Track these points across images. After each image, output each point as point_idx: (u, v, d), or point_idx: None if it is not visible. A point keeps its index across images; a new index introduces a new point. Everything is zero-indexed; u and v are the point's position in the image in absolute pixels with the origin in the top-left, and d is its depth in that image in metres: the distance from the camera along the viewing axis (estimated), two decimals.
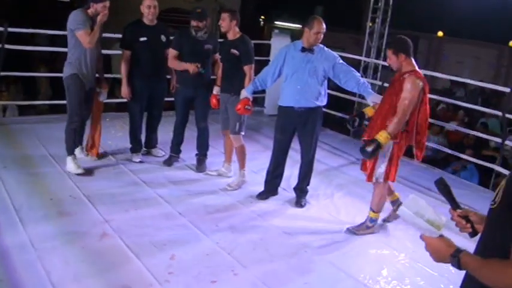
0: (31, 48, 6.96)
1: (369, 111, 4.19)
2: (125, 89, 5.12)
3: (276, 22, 20.44)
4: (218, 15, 5.16)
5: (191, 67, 4.91)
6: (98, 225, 3.83)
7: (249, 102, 4.54)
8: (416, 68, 3.94)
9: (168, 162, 5.33)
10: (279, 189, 4.87)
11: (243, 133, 4.87)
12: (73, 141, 4.82)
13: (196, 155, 5.33)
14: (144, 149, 5.52)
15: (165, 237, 3.75)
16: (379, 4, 8.78)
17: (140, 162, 5.27)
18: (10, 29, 6.24)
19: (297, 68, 4.37)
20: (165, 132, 5.66)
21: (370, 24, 9.05)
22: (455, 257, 1.64)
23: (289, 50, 4.47)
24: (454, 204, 1.92)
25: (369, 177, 4.10)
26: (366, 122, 4.24)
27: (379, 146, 3.83)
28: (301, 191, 4.71)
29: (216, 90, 5.02)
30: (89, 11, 4.67)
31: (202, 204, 4.45)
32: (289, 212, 4.57)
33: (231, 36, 4.77)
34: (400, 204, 4.21)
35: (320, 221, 4.42)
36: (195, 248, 3.66)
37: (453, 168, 7.16)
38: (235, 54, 4.71)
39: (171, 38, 5.20)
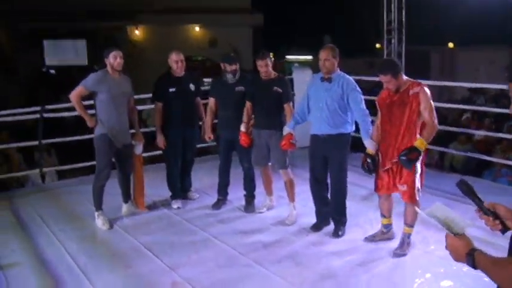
0: (68, 115, 7.20)
1: (370, 151, 4.26)
2: (159, 138, 5.31)
3: (286, 56, 20.84)
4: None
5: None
6: (166, 275, 3.89)
7: (293, 137, 4.67)
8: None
9: (217, 206, 5.41)
10: None
11: (290, 166, 5.00)
12: (100, 198, 4.95)
13: (245, 195, 5.41)
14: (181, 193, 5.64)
15: (233, 278, 3.80)
16: (393, 25, 8.95)
17: (178, 208, 5.38)
18: (46, 115, 6.56)
19: (317, 97, 4.51)
20: (208, 177, 5.73)
21: (378, 45, 9.20)
22: (471, 256, 1.64)
23: (313, 81, 4.65)
24: (479, 203, 1.90)
25: (412, 197, 4.09)
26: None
27: (419, 154, 3.92)
28: (337, 220, 4.68)
29: (243, 127, 5.08)
30: (107, 67, 4.86)
31: (259, 241, 4.50)
32: (347, 239, 4.57)
33: (269, 76, 4.92)
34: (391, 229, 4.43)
35: (370, 245, 4.42)
36: (265, 286, 3.70)
37: (494, 175, 7.11)
38: (278, 92, 4.88)
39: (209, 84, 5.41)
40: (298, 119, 4.71)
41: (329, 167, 4.63)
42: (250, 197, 5.38)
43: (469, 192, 1.90)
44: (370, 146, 4.25)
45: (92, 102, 5.01)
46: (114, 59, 4.83)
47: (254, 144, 5.10)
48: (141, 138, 5.27)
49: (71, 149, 8.95)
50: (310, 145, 4.70)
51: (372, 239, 4.49)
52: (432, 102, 4.01)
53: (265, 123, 4.99)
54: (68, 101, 5.05)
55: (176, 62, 5.27)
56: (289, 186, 5.04)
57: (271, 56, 4.97)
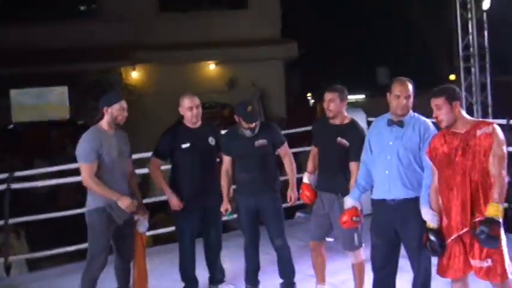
0: (43, 184, 7.29)
1: (431, 225, 4.14)
2: (172, 198, 5.29)
3: None
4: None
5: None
6: None
7: (358, 212, 4.57)
8: None
9: None
10: None
11: (363, 245, 4.90)
12: None
13: (281, 284, 5.33)
14: (210, 286, 5.59)
15: None
16: (471, 50, 8.97)
17: None
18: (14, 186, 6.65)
19: (383, 148, 4.41)
20: (231, 261, 5.71)
21: (453, 77, 9.27)
22: None
23: (375, 125, 4.59)
24: None
25: (503, 275, 3.90)
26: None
27: (499, 225, 3.79)
28: None
29: (307, 178, 5.13)
30: (103, 122, 4.86)
31: None
32: None
33: (337, 120, 4.95)
34: None
35: None
36: None
37: None
38: (344, 144, 4.85)
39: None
40: (364, 185, 4.61)
41: (406, 246, 4.48)
42: (288, 284, 5.30)
43: None
44: (429, 217, 4.13)
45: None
46: (121, 110, 4.87)
47: (314, 209, 5.12)
48: (146, 211, 5.22)
49: (45, 231, 8.97)
50: (375, 215, 4.57)
51: None
52: (505, 150, 3.92)
53: (326, 184, 4.98)
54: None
55: (190, 108, 5.29)
56: (358, 272, 4.94)
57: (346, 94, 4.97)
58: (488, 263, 3.91)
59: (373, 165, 4.52)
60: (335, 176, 4.90)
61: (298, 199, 5.40)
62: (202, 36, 15.65)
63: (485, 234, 3.76)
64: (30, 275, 7.05)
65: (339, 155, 4.87)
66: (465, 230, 3.93)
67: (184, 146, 5.28)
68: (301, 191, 5.18)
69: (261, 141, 5.18)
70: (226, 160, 5.37)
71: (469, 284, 4.15)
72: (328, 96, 4.90)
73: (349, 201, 4.60)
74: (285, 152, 5.34)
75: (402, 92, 4.33)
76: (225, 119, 16.44)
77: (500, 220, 3.80)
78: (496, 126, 3.95)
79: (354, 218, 4.55)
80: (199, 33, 15.66)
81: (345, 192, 4.72)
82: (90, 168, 4.75)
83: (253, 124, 5.12)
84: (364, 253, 4.91)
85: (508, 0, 10.64)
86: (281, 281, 5.32)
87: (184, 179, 5.32)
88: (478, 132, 3.92)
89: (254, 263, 5.38)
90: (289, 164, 5.33)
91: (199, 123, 5.38)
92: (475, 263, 3.95)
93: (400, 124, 4.36)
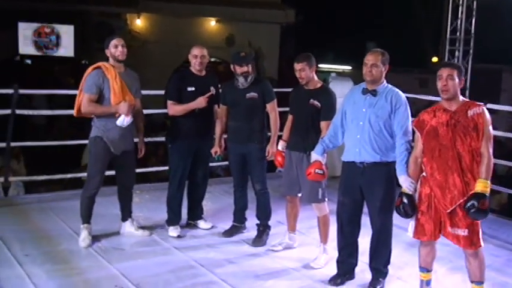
0: (47, 113, 7.34)
1: (406, 190, 4.25)
2: (199, 99, 5.39)
3: (319, 65, 21.03)
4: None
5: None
6: None
7: (321, 166, 4.70)
8: None
9: (229, 233, 5.59)
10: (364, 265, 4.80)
11: (326, 199, 5.04)
12: (88, 210, 5.21)
13: (257, 225, 5.57)
14: (188, 221, 5.83)
15: None
16: (458, 34, 9.01)
17: (178, 237, 5.50)
18: (21, 91, 6.72)
19: (357, 114, 4.48)
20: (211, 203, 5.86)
21: (435, 59, 9.33)
22: None
23: (352, 94, 4.64)
24: None
25: (476, 244, 4.04)
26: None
27: (487, 199, 3.89)
28: (376, 271, 4.65)
29: (281, 145, 5.28)
30: (110, 62, 5.13)
31: None
32: None
33: (311, 86, 5.07)
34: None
35: None
36: None
37: None
38: (316, 106, 4.98)
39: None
40: (327, 143, 4.73)
41: (369, 205, 4.59)
42: (262, 226, 5.53)
43: None
44: (407, 184, 4.24)
45: None
46: (115, 47, 5.08)
47: (284, 168, 5.28)
48: (142, 146, 5.54)
49: (40, 158, 9.05)
50: (343, 175, 4.68)
51: None
52: (492, 131, 4.03)
53: (295, 143, 5.13)
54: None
55: (195, 56, 5.46)
56: (323, 224, 5.10)
57: (313, 61, 5.02)
58: (465, 232, 4.03)
59: (345, 130, 4.61)
60: (306, 136, 5.03)
61: None
62: None
63: (476, 208, 3.86)
64: (26, 196, 7.10)
65: (311, 115, 5.01)
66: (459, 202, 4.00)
67: (189, 88, 5.44)
68: (273, 156, 5.37)
69: (252, 94, 5.33)
70: (223, 108, 5.55)
71: (436, 249, 4.31)
72: (297, 66, 4.96)
73: (313, 156, 4.76)
74: (272, 109, 5.44)
75: (369, 60, 4.38)
76: (219, 74, 16.40)
77: (488, 195, 3.89)
78: (484, 107, 4.02)
79: (316, 170, 4.67)
80: None
81: (313, 149, 4.83)
82: (89, 97, 5.02)
83: (245, 68, 5.22)
84: (329, 208, 5.07)
85: None
86: (258, 222, 5.55)
87: (184, 120, 5.46)
88: (469, 113, 3.98)
89: (240, 203, 5.64)
90: (274, 121, 5.44)
91: (203, 72, 5.54)
92: (453, 230, 4.06)
93: (374, 93, 4.43)
